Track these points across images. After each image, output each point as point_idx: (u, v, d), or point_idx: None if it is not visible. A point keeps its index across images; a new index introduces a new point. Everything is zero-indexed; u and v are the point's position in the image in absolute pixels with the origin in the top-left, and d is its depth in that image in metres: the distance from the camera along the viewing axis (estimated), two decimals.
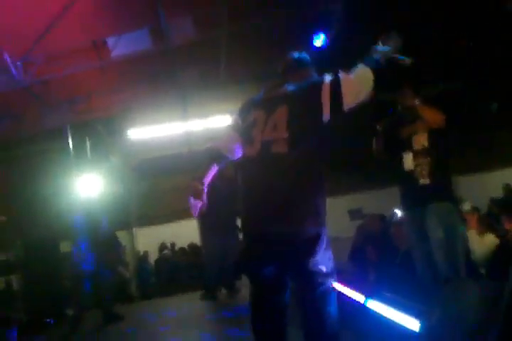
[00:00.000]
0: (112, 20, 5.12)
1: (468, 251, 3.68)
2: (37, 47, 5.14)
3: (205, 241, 5.50)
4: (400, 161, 3.11)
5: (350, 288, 3.36)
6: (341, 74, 2.08)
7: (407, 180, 3.09)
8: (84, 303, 4.62)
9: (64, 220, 5.20)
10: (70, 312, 4.96)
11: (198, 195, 2.19)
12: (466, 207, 5.85)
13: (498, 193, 8.69)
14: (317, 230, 2.00)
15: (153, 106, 7.84)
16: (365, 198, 9.79)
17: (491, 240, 4.88)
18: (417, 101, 3.06)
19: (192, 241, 8.96)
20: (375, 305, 2.78)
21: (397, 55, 2.16)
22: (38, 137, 7.40)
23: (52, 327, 5.27)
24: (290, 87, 2.16)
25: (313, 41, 6.12)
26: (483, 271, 4.49)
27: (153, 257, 9.36)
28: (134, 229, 10.06)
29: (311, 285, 2.02)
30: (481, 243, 4.83)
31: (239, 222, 3.21)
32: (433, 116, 3.01)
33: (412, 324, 2.31)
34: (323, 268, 2.01)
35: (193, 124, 8.75)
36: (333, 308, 2.04)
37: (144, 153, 9.38)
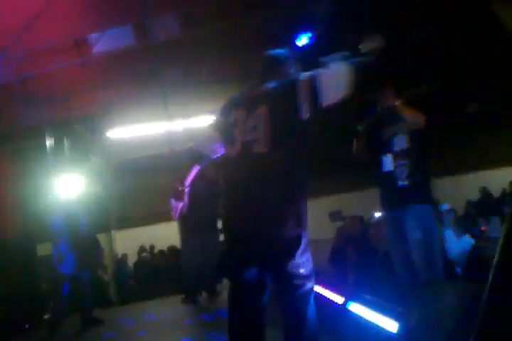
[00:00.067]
0: (95, 16, 5.04)
1: (444, 252, 3.75)
2: (16, 43, 5.04)
3: (184, 243, 5.44)
4: (379, 162, 3.14)
5: (330, 290, 3.37)
6: (320, 71, 2.08)
7: (386, 181, 3.12)
8: (62, 307, 4.53)
9: (42, 221, 5.08)
10: (47, 316, 4.84)
11: (179, 197, 2.17)
12: (444, 208, 5.98)
13: (475, 195, 8.88)
14: (297, 232, 2.00)
15: (134, 105, 7.76)
16: (344, 199, 9.87)
17: (466, 241, 5.00)
18: (397, 102, 3.09)
19: (172, 243, 8.88)
20: (355, 307, 2.80)
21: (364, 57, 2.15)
22: (15, 135, 7.25)
23: (29, 332, 5.14)
24: (270, 85, 2.14)
25: (297, 41, 6.15)
26: (459, 270, 4.58)
27: (132, 260, 9.23)
28: (112, 232, 9.92)
29: (291, 287, 2.02)
30: (458, 243, 4.95)
31: (220, 224, 3.19)
32: (413, 117, 3.04)
33: (391, 326, 2.33)
34: (303, 270, 2.01)
35: (175, 124, 8.68)
36: (312, 310, 2.04)
37: (124, 154, 9.26)
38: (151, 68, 6.50)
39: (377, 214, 5.63)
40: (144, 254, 9.28)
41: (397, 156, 3.08)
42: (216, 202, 4.71)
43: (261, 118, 2.05)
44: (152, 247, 9.45)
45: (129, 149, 9.01)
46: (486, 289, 1.27)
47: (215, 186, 4.44)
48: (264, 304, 2.09)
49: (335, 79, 2.06)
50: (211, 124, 2.31)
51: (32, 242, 6.48)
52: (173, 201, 2.18)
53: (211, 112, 2.36)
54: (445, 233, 4.97)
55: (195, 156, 2.28)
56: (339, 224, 6.65)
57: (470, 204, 8.33)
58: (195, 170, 2.25)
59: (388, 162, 3.09)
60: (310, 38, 6.05)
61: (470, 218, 7.04)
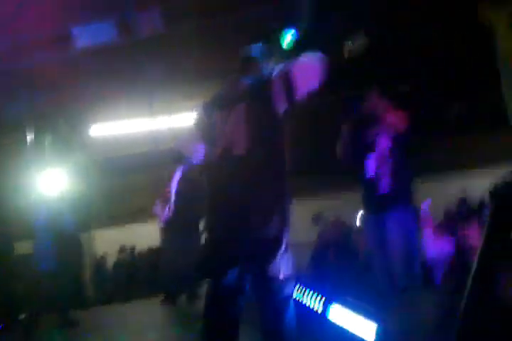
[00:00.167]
0: (77, 10, 4.97)
1: (423, 256, 3.78)
2: None
3: (166, 243, 5.37)
4: (362, 166, 3.13)
5: (310, 293, 3.37)
6: (292, 62, 2.08)
7: (368, 187, 3.12)
8: (39, 307, 4.43)
9: (20, 219, 4.97)
10: (22, 316, 4.74)
11: (164, 200, 2.16)
12: (424, 212, 6.03)
13: (455, 199, 8.96)
14: (278, 234, 1.99)
15: (118, 101, 7.67)
16: (326, 203, 9.86)
17: (445, 245, 5.06)
18: (381, 103, 3.07)
19: (153, 243, 8.76)
20: (334, 311, 2.80)
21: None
22: None
23: (2, 333, 5.02)
24: (246, 82, 2.14)
25: (282, 37, 6.15)
26: (438, 274, 4.63)
27: (111, 260, 9.09)
28: (92, 231, 9.75)
29: (270, 289, 2.02)
30: (437, 247, 4.99)
31: (202, 225, 3.17)
32: (396, 119, 3.03)
33: (370, 329, 2.34)
34: (282, 273, 2.01)
35: (159, 122, 8.60)
36: (290, 312, 2.04)
37: (106, 152, 9.12)
38: (135, 64, 6.43)
39: (359, 217, 5.67)
40: (124, 255, 9.12)
41: (379, 159, 3.07)
42: (199, 204, 4.66)
43: (240, 119, 2.05)
44: (133, 247, 9.30)
45: (111, 147, 8.89)
46: (463, 299, 1.28)
47: (198, 187, 4.40)
48: (240, 306, 2.08)
49: (308, 69, 2.06)
50: (195, 124, 2.29)
51: (9, 240, 6.34)
52: (158, 206, 2.17)
53: (194, 109, 2.34)
54: (425, 233, 5.01)
55: (176, 158, 2.26)
56: (322, 227, 6.66)
57: (450, 208, 8.42)
58: (178, 173, 2.24)
59: (371, 167, 3.09)
60: (294, 35, 6.05)
61: (450, 222, 7.12)
